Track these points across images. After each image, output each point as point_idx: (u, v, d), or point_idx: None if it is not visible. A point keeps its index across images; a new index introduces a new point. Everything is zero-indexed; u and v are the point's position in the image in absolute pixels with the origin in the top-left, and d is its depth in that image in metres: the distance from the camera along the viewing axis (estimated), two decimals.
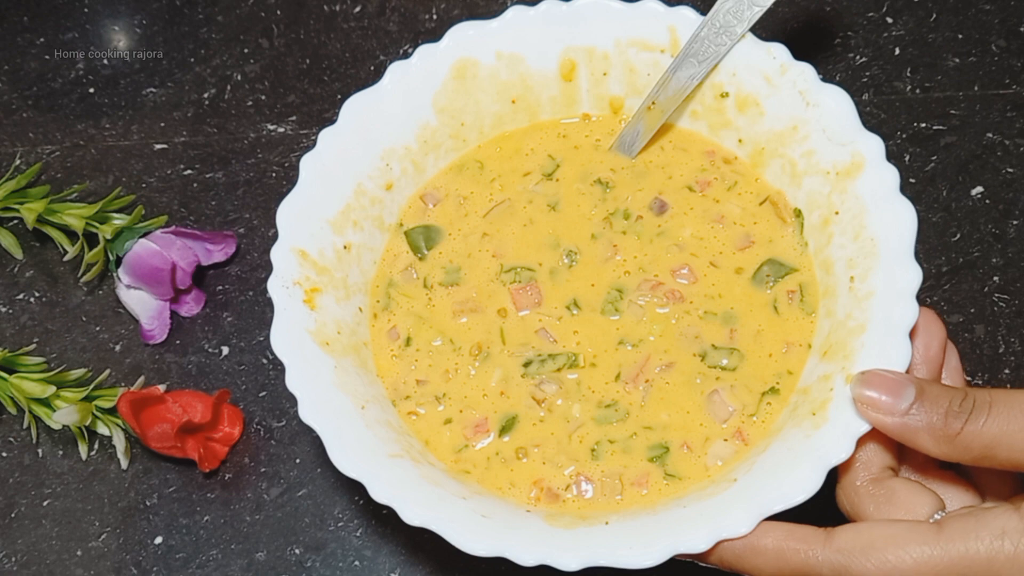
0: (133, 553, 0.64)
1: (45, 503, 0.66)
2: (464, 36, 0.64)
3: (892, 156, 0.59)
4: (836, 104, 0.60)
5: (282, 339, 0.57)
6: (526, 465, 0.58)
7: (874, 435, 0.52)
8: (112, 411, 0.66)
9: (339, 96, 0.76)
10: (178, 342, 0.70)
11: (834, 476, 0.53)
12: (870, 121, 0.60)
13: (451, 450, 0.58)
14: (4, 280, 0.72)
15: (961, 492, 0.54)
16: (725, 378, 0.59)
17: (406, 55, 0.65)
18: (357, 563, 0.64)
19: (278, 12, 0.80)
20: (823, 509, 0.52)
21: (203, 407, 0.64)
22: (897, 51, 0.75)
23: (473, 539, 0.52)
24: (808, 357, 0.59)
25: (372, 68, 0.78)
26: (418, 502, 0.53)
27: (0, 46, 0.80)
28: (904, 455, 0.54)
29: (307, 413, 0.55)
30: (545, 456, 0.58)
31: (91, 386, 0.67)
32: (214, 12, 0.80)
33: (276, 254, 0.59)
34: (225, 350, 0.69)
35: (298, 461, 0.66)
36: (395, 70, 0.63)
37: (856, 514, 0.52)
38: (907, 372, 0.54)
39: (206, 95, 0.77)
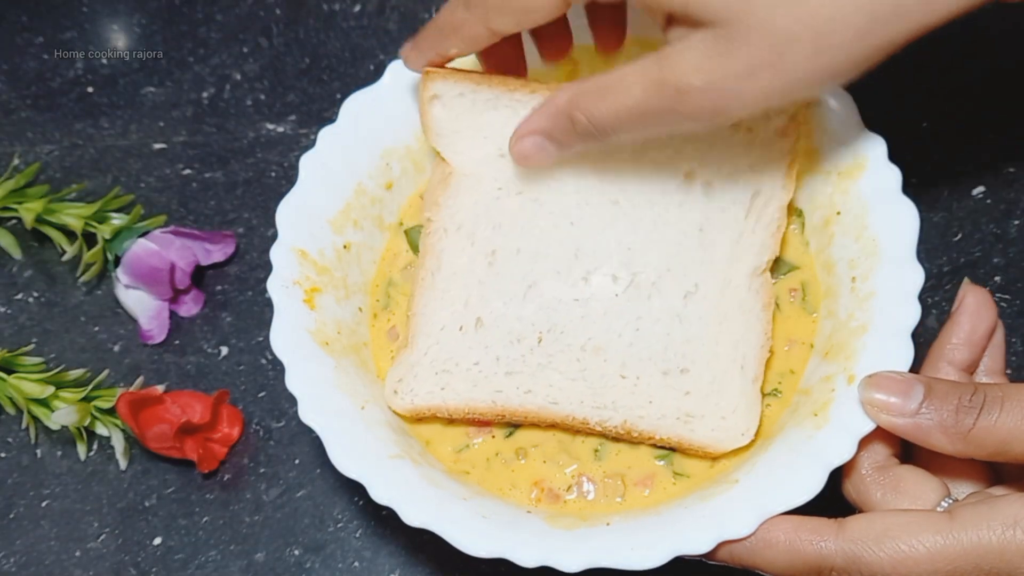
0: (132, 554, 0.64)
1: (44, 504, 0.66)
2: None
3: (893, 156, 0.59)
4: (838, 104, 0.60)
5: (282, 339, 0.56)
6: (526, 466, 0.58)
7: (879, 428, 0.52)
8: (111, 411, 0.66)
9: (339, 95, 0.76)
10: (177, 342, 0.69)
11: (835, 477, 0.53)
12: (871, 121, 0.60)
13: (452, 451, 0.58)
14: (3, 280, 0.72)
15: (969, 476, 0.53)
16: None
17: None
18: (357, 564, 0.63)
19: (277, 11, 0.80)
20: (825, 510, 0.52)
21: (202, 408, 0.64)
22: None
23: (473, 540, 0.52)
24: (810, 357, 0.59)
25: (372, 67, 0.77)
26: (418, 503, 0.53)
27: None
28: (911, 446, 0.54)
29: (307, 413, 0.54)
30: (546, 455, 0.58)
31: (90, 386, 0.67)
32: (213, 11, 0.80)
33: (276, 254, 0.59)
34: (224, 350, 0.69)
35: (297, 462, 0.66)
36: (395, 69, 0.63)
37: (863, 502, 0.52)
38: (941, 353, 0.55)
39: (205, 94, 0.77)
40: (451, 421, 0.59)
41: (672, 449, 0.57)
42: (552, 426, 0.58)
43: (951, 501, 0.51)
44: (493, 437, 0.58)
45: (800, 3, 0.47)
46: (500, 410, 0.57)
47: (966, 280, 0.57)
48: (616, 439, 0.58)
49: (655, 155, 0.60)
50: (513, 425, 0.59)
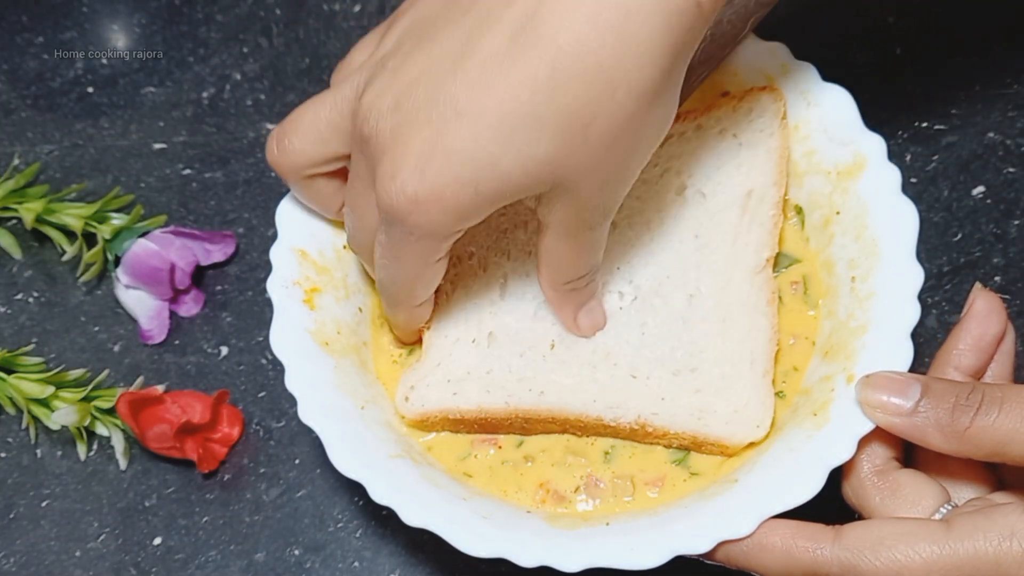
0: (132, 554, 0.64)
1: (44, 504, 0.66)
2: None
3: (893, 156, 0.59)
4: (837, 103, 0.60)
5: (282, 339, 0.56)
6: (532, 469, 0.58)
7: (879, 429, 0.52)
8: (111, 411, 0.66)
9: None
10: (177, 342, 0.69)
11: (835, 477, 0.53)
12: (871, 121, 0.59)
13: (456, 458, 0.58)
14: (3, 280, 0.72)
15: (970, 478, 0.53)
16: None
17: None
18: (357, 564, 0.63)
19: (277, 11, 0.80)
20: (825, 510, 0.52)
21: (202, 407, 0.64)
22: (899, 50, 0.75)
23: (473, 540, 0.52)
24: (811, 356, 0.58)
25: None
26: (418, 503, 0.53)
27: None
28: (915, 446, 0.54)
29: (307, 413, 0.54)
30: (554, 459, 0.58)
31: (90, 386, 0.67)
32: (213, 11, 0.80)
33: (275, 254, 0.59)
34: (224, 350, 0.69)
35: (297, 462, 0.66)
36: None
37: (861, 506, 0.52)
38: (948, 358, 0.54)
39: (205, 94, 0.77)
40: (459, 428, 0.58)
41: (688, 450, 0.57)
42: (565, 429, 0.58)
43: (951, 507, 0.51)
44: (500, 448, 0.58)
45: (584, 141, 0.48)
46: (512, 411, 0.57)
47: (977, 284, 0.56)
48: (630, 439, 0.57)
49: (646, 176, 0.61)
50: (523, 435, 0.58)
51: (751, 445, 0.56)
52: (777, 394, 0.57)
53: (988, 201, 0.70)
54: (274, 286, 0.58)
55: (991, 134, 0.72)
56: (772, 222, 0.59)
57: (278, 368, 0.65)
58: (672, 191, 0.61)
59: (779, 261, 0.61)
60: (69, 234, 0.71)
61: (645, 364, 0.58)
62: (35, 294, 0.72)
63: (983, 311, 0.55)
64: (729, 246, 0.59)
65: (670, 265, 0.59)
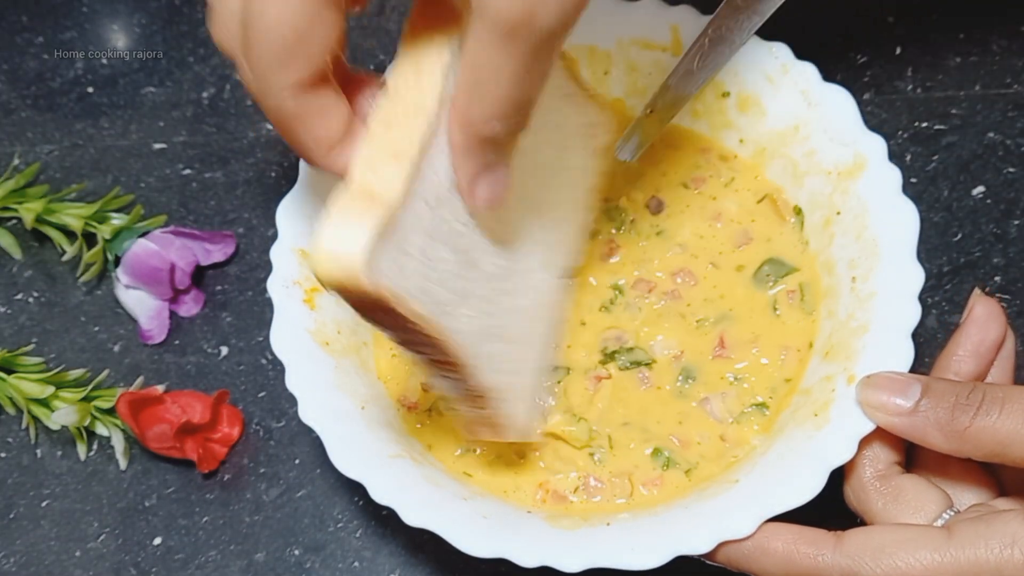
0: (132, 554, 0.64)
1: (44, 504, 0.66)
2: None
3: (893, 156, 0.59)
4: (838, 104, 0.60)
5: (282, 339, 0.56)
6: (530, 468, 0.58)
7: (881, 431, 0.52)
8: (111, 411, 0.66)
9: None
10: (177, 342, 0.69)
11: (836, 477, 0.53)
12: (871, 121, 0.60)
13: (454, 455, 0.58)
14: (3, 280, 0.72)
15: (971, 482, 0.53)
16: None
17: None
18: (357, 564, 0.63)
19: None
20: (826, 510, 0.52)
21: (202, 407, 0.64)
22: (898, 50, 0.75)
23: (473, 540, 0.52)
24: (810, 358, 0.59)
25: (372, 67, 0.77)
26: (418, 503, 0.53)
27: None
28: (917, 450, 0.54)
29: (307, 413, 0.54)
30: (547, 462, 0.58)
31: (90, 386, 0.67)
32: None
33: (276, 254, 0.59)
34: (224, 350, 0.69)
35: (297, 462, 0.66)
36: None
37: (863, 511, 0.52)
38: (947, 364, 0.54)
39: (205, 94, 0.77)
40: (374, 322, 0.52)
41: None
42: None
43: (953, 512, 0.51)
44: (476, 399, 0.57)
45: None
46: (438, 328, 0.48)
47: (976, 290, 0.56)
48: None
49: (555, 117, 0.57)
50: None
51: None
52: (761, 405, 0.58)
53: (988, 201, 0.70)
54: (274, 286, 0.58)
55: (991, 134, 0.72)
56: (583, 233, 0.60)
57: (278, 368, 0.65)
58: (573, 138, 0.59)
59: (776, 269, 0.61)
60: (69, 234, 0.71)
61: (518, 321, 0.56)
62: (35, 294, 0.72)
63: (983, 317, 0.55)
64: (571, 226, 0.59)
65: (540, 224, 0.56)
